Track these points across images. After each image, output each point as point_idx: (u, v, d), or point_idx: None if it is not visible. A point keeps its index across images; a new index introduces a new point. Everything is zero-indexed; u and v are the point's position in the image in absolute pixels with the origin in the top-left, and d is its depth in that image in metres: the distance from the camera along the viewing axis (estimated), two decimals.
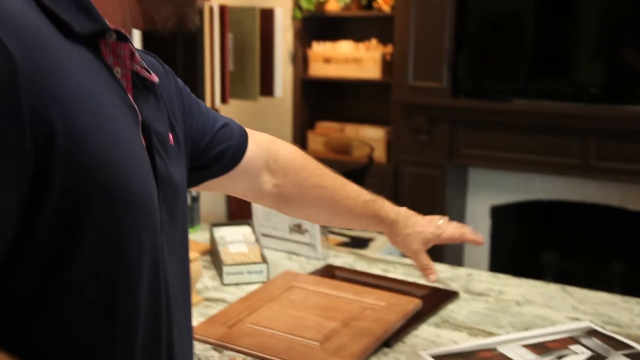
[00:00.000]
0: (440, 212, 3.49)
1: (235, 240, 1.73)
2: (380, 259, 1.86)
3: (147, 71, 0.74)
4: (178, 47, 2.42)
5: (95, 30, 0.66)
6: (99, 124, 0.63)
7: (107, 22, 0.68)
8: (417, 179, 3.56)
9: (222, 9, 2.52)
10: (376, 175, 3.53)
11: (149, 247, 0.70)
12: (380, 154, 3.68)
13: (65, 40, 0.63)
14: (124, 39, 0.69)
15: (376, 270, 1.74)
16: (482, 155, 3.47)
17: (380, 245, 2.57)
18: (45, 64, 0.58)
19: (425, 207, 3.49)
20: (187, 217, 0.84)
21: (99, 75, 0.66)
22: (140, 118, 0.72)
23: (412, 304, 1.44)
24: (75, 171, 0.60)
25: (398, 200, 3.70)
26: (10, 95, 0.55)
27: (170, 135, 0.81)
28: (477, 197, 3.74)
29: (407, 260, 1.85)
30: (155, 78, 0.75)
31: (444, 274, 1.72)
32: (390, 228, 1.23)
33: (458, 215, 3.72)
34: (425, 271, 1.23)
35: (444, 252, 3.50)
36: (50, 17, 0.62)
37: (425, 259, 1.23)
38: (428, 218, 1.28)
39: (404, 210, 1.26)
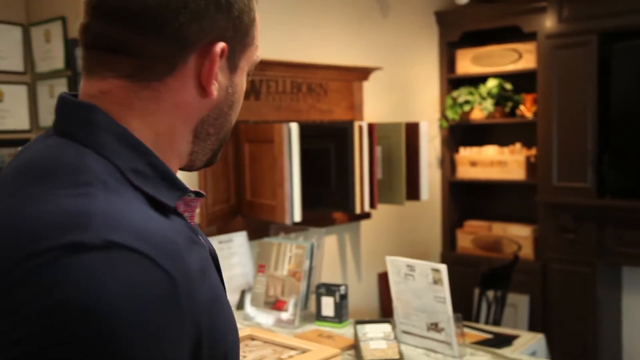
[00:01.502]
0: (592, 310, 3.33)
1: (375, 337, 1.82)
2: (516, 359, 1.85)
3: (196, 194, 0.73)
4: (331, 161, 2.63)
5: (180, 196, 0.68)
6: (210, 293, 0.63)
7: (186, 185, 0.70)
8: (566, 276, 3.43)
9: (371, 127, 2.71)
10: (524, 272, 3.46)
11: None
12: (527, 251, 3.61)
13: (163, 217, 0.64)
14: (200, 195, 0.72)
15: None
16: (636, 253, 3.28)
17: (523, 343, 2.51)
18: (185, 267, 0.59)
19: (576, 305, 3.36)
20: None
21: (188, 238, 0.65)
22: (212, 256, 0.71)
23: None
24: (212, 348, 0.62)
25: (547, 297, 3.58)
26: (179, 312, 0.57)
27: None
28: (634, 296, 3.51)
29: None
30: (203, 193, 0.75)
31: None
32: None
33: (614, 315, 3.51)
34: None
35: (598, 351, 3.30)
36: (150, 201, 0.64)
37: None
38: None
39: None
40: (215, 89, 0.69)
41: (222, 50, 0.68)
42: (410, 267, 1.89)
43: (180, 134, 0.70)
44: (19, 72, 2.84)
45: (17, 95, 2.85)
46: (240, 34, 0.70)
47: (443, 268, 1.81)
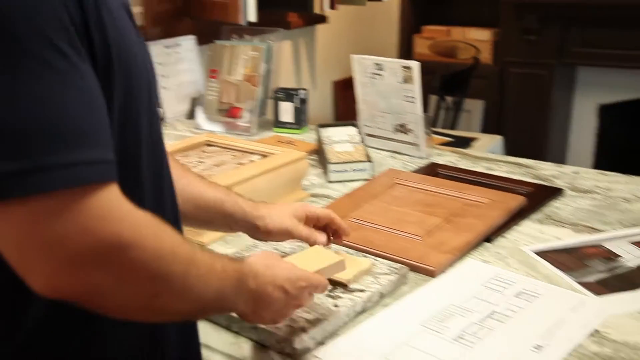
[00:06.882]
0: (546, 112, 3.27)
1: (341, 140, 1.67)
2: (484, 157, 1.74)
3: None
4: None
5: None
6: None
7: None
8: (523, 79, 3.31)
9: None
10: (482, 76, 3.32)
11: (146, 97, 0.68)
12: (486, 56, 3.44)
13: None
14: None
15: (480, 168, 1.63)
16: (594, 53, 3.16)
17: (483, 144, 2.43)
18: None
19: (531, 107, 3.28)
20: None
21: None
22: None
23: (515, 200, 1.34)
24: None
25: (504, 101, 3.49)
26: None
27: None
28: (584, 96, 3.45)
29: (512, 159, 1.72)
30: None
31: (548, 172, 1.59)
32: (245, 220, 0.97)
33: (564, 115, 3.47)
34: (311, 239, 0.99)
35: (547, 150, 3.30)
36: None
37: (306, 228, 0.99)
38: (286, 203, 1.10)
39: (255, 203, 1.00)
40: None
41: None
42: (379, 66, 1.69)
43: None
44: None
45: None
46: None
47: (415, 65, 1.62)
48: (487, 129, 3.44)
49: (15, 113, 0.51)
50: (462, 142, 2.38)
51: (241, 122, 1.99)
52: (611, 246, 1.18)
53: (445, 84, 2.93)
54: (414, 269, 1.10)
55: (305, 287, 0.80)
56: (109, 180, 0.56)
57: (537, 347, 0.88)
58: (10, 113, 0.51)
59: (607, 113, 3.42)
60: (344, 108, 3.22)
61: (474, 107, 3.49)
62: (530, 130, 3.32)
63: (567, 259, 1.14)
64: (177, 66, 2.17)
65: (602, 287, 1.05)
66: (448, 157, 1.73)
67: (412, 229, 1.22)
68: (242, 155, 1.44)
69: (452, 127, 3.00)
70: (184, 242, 0.64)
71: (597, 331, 0.92)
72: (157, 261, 0.59)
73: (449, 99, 3.00)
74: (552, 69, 3.21)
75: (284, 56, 2.83)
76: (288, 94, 1.99)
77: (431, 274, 1.09)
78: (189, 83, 2.20)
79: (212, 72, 2.06)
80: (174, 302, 0.63)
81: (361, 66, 1.74)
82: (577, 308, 0.98)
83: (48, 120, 0.52)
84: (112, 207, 0.55)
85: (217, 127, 1.99)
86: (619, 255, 1.15)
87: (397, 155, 1.74)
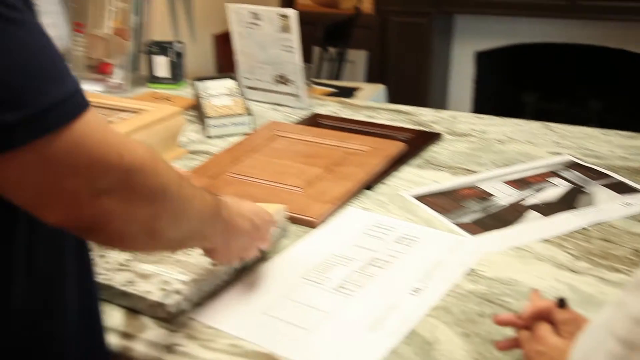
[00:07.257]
0: (427, 60, 3.33)
1: (219, 93, 1.60)
2: (365, 105, 1.74)
3: None
4: None
5: None
6: None
7: None
8: (403, 28, 3.35)
9: None
10: (364, 26, 3.32)
11: None
12: (367, 5, 3.44)
13: None
14: None
15: (361, 117, 1.63)
16: (469, 1, 3.24)
17: (366, 94, 2.44)
18: None
19: (411, 56, 3.33)
20: None
21: None
22: None
23: (396, 147, 1.34)
24: None
25: (386, 51, 3.52)
26: None
27: None
28: (462, 44, 3.55)
29: (392, 106, 1.73)
30: None
31: (427, 117, 1.61)
32: None
33: (443, 63, 3.56)
34: None
35: (428, 98, 3.38)
36: None
37: None
38: None
39: None
40: None
41: None
42: (255, 15, 1.63)
43: None
44: None
45: None
46: None
47: (292, 13, 1.57)
48: (371, 79, 3.47)
49: (2, 61, 0.51)
50: (346, 93, 2.38)
51: (113, 79, 1.87)
52: (485, 186, 1.22)
53: (328, 34, 2.91)
54: (295, 221, 1.08)
55: (269, 221, 0.86)
56: (89, 105, 0.56)
57: (415, 290, 0.89)
58: None
59: (483, 59, 3.54)
60: (227, 62, 3.12)
61: (358, 58, 3.50)
62: (412, 78, 3.38)
63: (445, 202, 1.17)
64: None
65: (477, 227, 1.07)
66: (330, 107, 1.71)
67: (292, 180, 1.20)
68: (112, 113, 1.35)
69: (337, 78, 3.00)
70: (170, 166, 0.64)
71: (472, 270, 0.94)
72: (157, 180, 0.60)
73: (332, 50, 2.98)
74: (430, 18, 3.27)
75: (158, 8, 2.69)
76: (162, 48, 1.89)
77: (312, 224, 1.08)
78: (54, 38, 2.03)
79: (77, 26, 1.91)
80: (170, 224, 0.64)
81: (238, 16, 1.67)
82: (454, 249, 1.00)
83: (35, 63, 0.53)
84: (104, 129, 0.56)
85: (87, 85, 1.86)
86: (492, 195, 1.18)
87: (278, 107, 1.70)
